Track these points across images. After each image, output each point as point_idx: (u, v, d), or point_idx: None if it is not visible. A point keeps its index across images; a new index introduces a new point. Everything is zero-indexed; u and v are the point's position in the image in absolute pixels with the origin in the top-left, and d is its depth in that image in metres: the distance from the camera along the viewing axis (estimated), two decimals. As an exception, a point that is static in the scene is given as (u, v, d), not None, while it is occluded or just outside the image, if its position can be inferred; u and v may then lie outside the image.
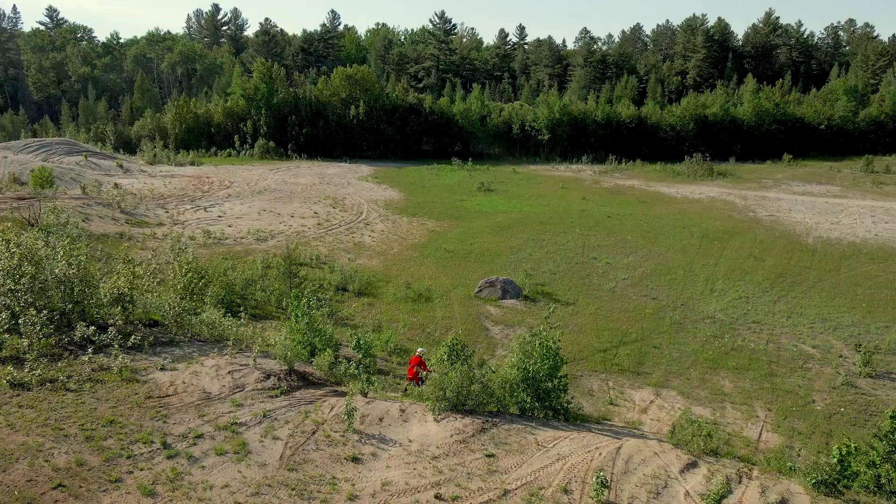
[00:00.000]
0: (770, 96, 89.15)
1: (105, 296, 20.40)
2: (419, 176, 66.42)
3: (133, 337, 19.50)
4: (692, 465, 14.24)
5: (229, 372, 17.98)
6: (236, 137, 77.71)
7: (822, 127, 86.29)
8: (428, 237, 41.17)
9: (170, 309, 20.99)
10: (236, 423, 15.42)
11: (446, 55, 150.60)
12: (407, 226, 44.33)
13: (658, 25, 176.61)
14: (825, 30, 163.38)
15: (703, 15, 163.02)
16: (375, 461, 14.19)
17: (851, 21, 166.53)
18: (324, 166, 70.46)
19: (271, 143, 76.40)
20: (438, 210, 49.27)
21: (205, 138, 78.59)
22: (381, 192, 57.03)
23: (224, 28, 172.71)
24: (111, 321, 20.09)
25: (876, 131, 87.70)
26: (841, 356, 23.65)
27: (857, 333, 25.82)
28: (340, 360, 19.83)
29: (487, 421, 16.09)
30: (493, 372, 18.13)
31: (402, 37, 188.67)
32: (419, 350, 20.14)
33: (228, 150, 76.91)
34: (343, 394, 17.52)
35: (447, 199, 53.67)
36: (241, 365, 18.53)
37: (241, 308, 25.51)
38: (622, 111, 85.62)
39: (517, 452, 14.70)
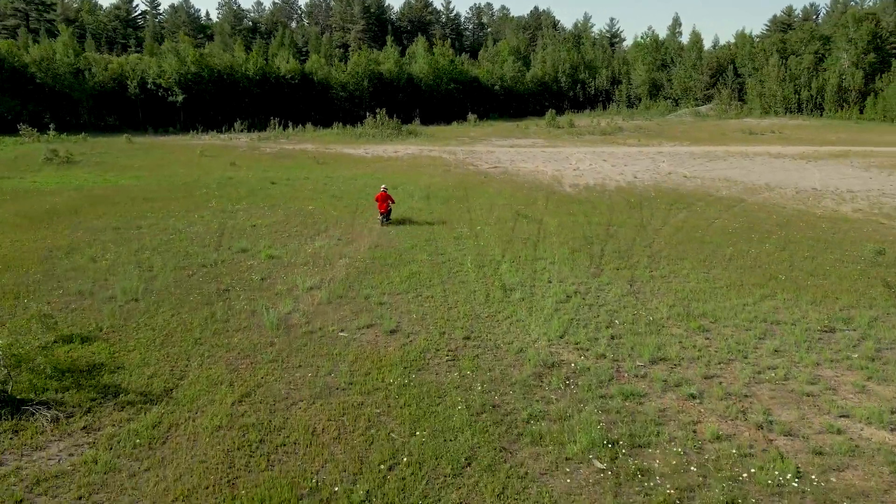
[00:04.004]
0: (444, 52, 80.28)
1: None
2: (-55, 152, 38.50)
3: None
4: None
5: None
6: None
7: (497, 88, 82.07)
8: None
9: None
10: None
11: (40, 11, 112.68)
12: None
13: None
14: (470, 9, 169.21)
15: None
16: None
17: (489, 5, 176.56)
18: None
19: None
20: (-74, 195, 24.40)
21: None
22: None
23: None
24: None
25: (543, 93, 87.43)
26: None
27: (858, 346, 11.61)
28: None
29: None
30: None
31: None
32: (382, 186, 21.08)
33: None
34: None
35: (-32, 179, 28.60)
36: None
37: None
38: (282, 66, 67.04)
39: None
